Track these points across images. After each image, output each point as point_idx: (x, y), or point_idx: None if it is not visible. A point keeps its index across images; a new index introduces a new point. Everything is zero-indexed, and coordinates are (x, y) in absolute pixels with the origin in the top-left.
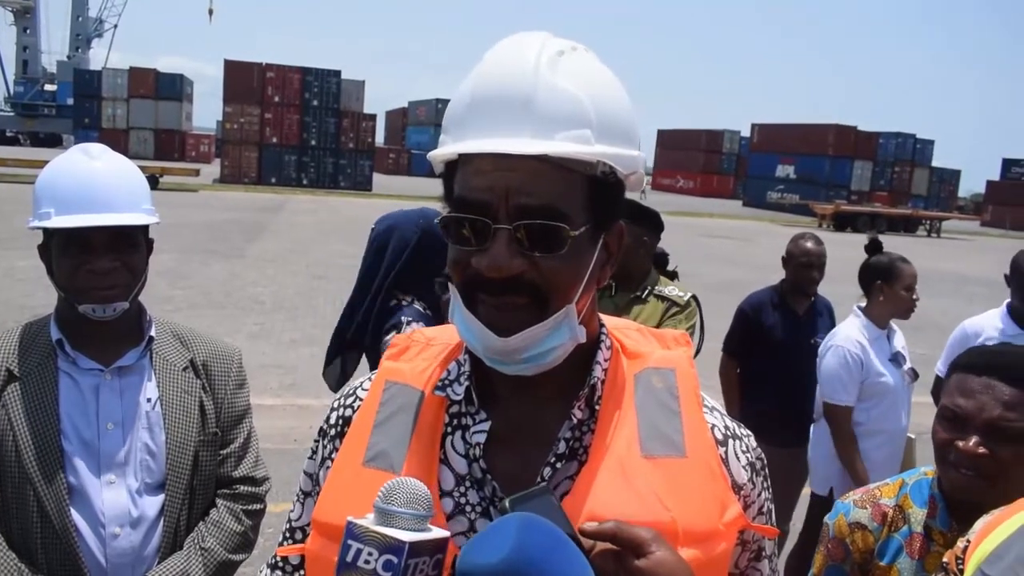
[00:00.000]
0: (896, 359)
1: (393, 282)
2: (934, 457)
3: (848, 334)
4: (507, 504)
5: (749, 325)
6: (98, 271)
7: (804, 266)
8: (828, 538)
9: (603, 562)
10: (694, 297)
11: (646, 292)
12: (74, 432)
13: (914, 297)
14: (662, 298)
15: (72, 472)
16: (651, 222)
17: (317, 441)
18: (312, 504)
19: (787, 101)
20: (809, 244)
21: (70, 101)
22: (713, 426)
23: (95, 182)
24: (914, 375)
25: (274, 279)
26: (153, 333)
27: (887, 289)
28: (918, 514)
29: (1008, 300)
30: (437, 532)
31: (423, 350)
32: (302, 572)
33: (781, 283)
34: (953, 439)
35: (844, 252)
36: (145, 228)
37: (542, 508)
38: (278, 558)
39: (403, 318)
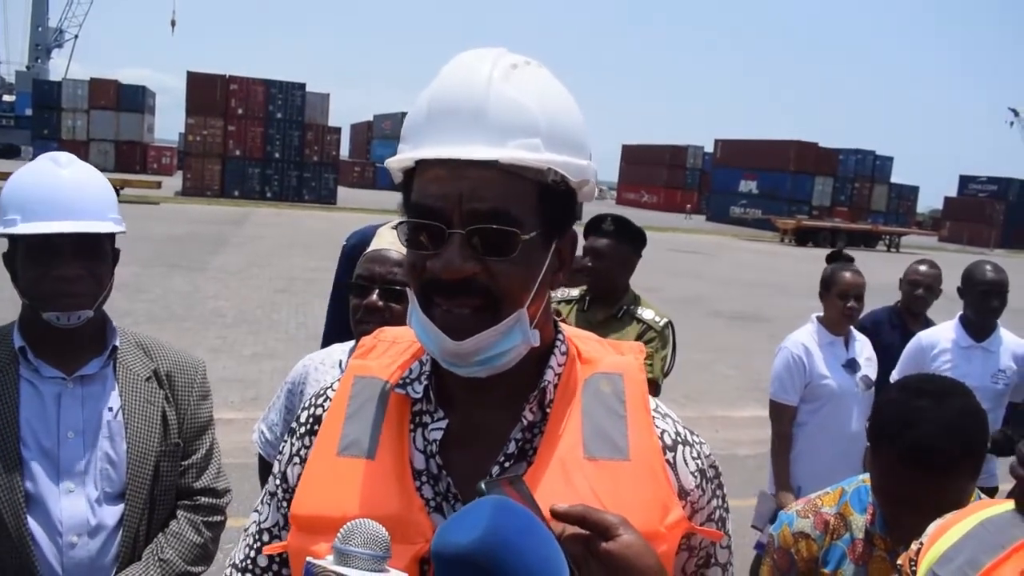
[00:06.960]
0: (851, 365)
1: None
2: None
3: (796, 338)
4: (482, 486)
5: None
6: (64, 278)
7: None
8: (774, 548)
9: (572, 545)
10: (669, 323)
11: (622, 311)
12: (33, 440)
13: (849, 305)
14: (639, 320)
15: (30, 479)
16: (639, 241)
17: (285, 441)
18: (277, 504)
19: (750, 117)
20: (922, 267)
21: (29, 112)
22: (663, 431)
23: (62, 189)
24: (868, 383)
25: (236, 292)
26: (117, 343)
27: (826, 296)
28: (859, 520)
29: (961, 312)
30: (395, 574)
31: (389, 348)
32: (270, 574)
33: (896, 304)
34: None
35: (805, 266)
36: (111, 237)
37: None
38: (247, 561)
39: None
